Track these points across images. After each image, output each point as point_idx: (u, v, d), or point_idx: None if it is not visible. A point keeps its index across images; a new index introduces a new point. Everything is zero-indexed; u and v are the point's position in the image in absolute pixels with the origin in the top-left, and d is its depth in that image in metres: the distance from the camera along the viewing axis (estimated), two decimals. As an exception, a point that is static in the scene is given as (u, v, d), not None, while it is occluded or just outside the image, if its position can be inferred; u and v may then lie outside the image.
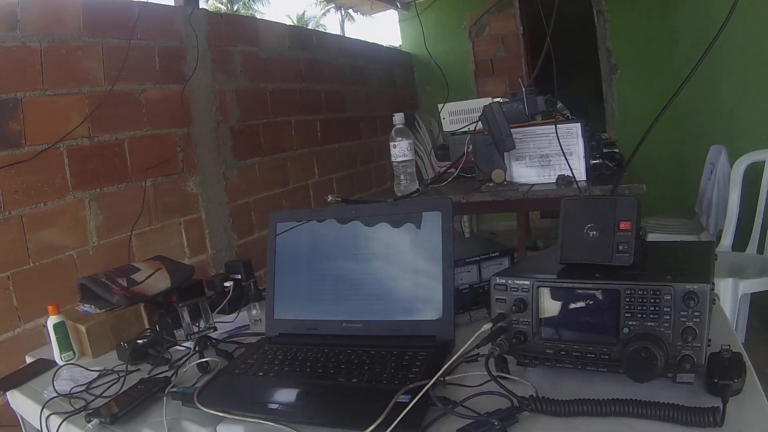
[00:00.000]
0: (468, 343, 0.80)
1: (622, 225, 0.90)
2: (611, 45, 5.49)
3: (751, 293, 2.46)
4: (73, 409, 1.07)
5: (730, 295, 2.35)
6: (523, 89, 2.10)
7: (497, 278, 0.90)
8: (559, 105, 2.37)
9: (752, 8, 2.82)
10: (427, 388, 0.77)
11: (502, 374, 0.91)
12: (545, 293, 0.88)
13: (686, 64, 4.74)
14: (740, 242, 2.79)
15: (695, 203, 3.65)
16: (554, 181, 1.99)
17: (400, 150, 1.98)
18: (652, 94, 5.30)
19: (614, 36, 5.47)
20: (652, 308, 0.81)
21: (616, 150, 2.32)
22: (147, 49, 2.69)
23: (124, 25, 2.55)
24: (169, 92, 2.80)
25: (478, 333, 0.84)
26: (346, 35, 5.00)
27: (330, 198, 1.64)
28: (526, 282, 0.88)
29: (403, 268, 1.12)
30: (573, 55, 5.53)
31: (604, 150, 2.20)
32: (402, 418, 0.76)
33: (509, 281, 0.89)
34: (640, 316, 0.82)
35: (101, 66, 2.44)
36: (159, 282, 1.55)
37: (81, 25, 2.35)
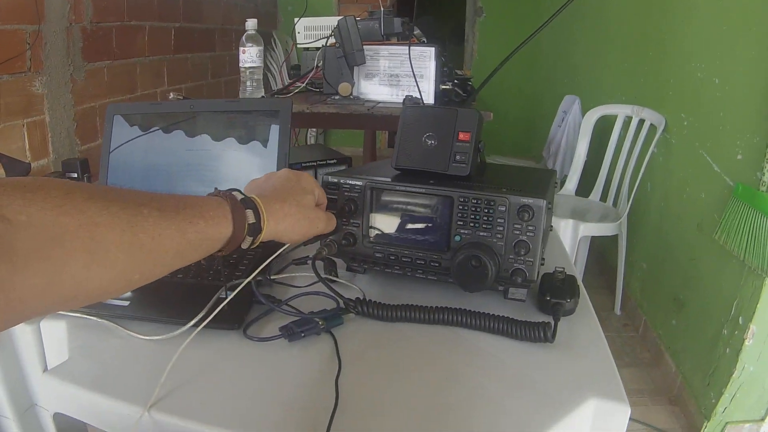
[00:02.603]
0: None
1: (461, 136, 0.88)
2: (479, -13, 5.52)
3: (591, 237, 2.59)
4: None
5: (570, 234, 2.46)
6: (381, 9, 2.04)
7: (329, 177, 0.85)
8: (417, 31, 2.33)
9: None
10: (248, 282, 0.71)
11: (330, 277, 0.88)
12: (378, 196, 0.84)
13: (550, 15, 4.89)
14: (583, 189, 2.93)
15: (543, 148, 3.82)
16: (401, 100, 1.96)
17: (249, 56, 1.85)
18: (513, 41, 5.43)
19: (482, -22, 5.50)
20: (486, 218, 0.79)
21: (470, 82, 2.34)
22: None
23: None
24: (20, -14, 2.40)
25: (306, 232, 0.79)
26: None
27: (172, 95, 1.54)
28: (359, 183, 0.83)
29: (236, 167, 1.04)
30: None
31: (456, 80, 2.21)
32: (225, 313, 0.70)
33: (342, 181, 0.84)
34: (472, 225, 0.79)
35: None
36: (-25, 175, 1.34)
37: None
